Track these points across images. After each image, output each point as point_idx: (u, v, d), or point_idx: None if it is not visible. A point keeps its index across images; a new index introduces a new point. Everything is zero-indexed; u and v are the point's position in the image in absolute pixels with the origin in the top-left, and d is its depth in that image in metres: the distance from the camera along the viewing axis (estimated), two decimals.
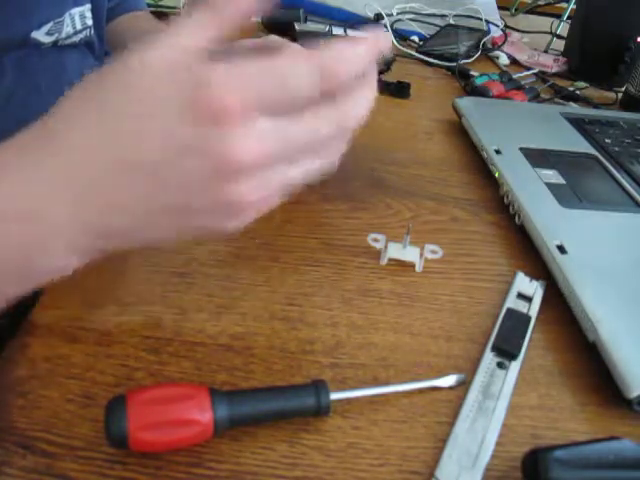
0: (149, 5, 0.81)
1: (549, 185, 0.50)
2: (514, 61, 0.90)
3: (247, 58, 0.27)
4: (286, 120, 0.27)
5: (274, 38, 0.47)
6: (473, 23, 0.98)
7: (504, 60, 0.89)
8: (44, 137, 0.30)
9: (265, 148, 0.27)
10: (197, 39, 0.28)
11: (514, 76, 0.78)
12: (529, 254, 0.45)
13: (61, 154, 0.29)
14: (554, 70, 0.87)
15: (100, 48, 0.59)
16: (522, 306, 0.39)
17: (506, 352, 0.35)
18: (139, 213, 0.29)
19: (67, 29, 0.52)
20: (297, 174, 0.29)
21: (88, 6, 0.55)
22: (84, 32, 0.55)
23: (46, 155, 0.29)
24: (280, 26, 0.91)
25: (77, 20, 0.53)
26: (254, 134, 0.26)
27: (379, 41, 0.30)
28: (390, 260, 0.42)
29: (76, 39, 0.54)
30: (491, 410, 0.32)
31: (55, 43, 0.51)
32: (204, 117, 0.26)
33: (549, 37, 1.00)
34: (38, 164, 0.29)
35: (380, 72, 0.48)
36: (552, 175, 0.52)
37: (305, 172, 0.29)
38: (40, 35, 0.49)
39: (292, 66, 0.27)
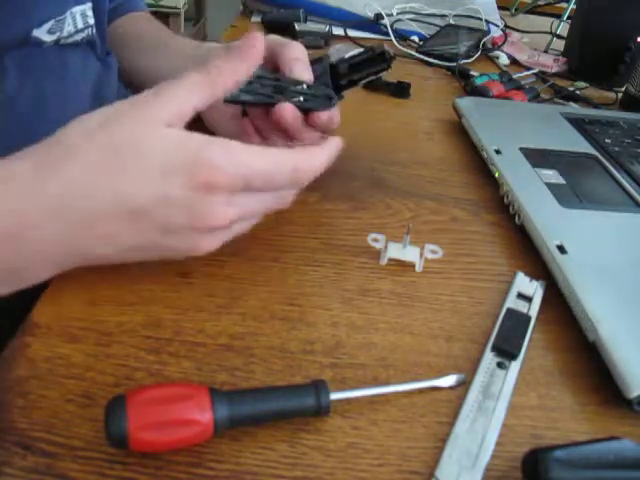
0: (149, 5, 0.81)
1: (549, 185, 0.50)
2: (514, 61, 0.90)
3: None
4: (252, 197, 0.36)
5: (274, 37, 0.47)
6: (473, 23, 0.98)
7: (504, 60, 0.89)
8: (45, 164, 0.33)
9: (234, 215, 0.34)
10: (204, 99, 0.35)
11: (514, 76, 0.78)
12: (529, 254, 0.45)
13: (60, 184, 0.32)
14: (554, 70, 0.87)
15: (102, 48, 0.59)
16: (522, 306, 0.39)
17: (506, 352, 0.35)
18: (121, 246, 0.34)
19: (68, 28, 0.52)
20: (242, 229, 0.38)
21: (89, 4, 0.54)
22: (86, 31, 0.54)
23: (45, 182, 0.32)
24: (280, 26, 0.91)
25: (78, 18, 0.53)
26: (230, 206, 0.34)
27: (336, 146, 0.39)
28: (390, 260, 0.42)
29: (78, 38, 0.54)
30: (491, 410, 0.32)
31: (57, 42, 0.51)
32: (197, 185, 0.32)
33: (549, 37, 1.00)
34: (36, 190, 0.32)
35: (381, 70, 0.49)
36: (552, 175, 0.52)
37: (246, 228, 0.38)
38: (41, 34, 0.49)
39: (278, 171, 0.35)
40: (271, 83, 0.42)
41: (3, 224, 0.31)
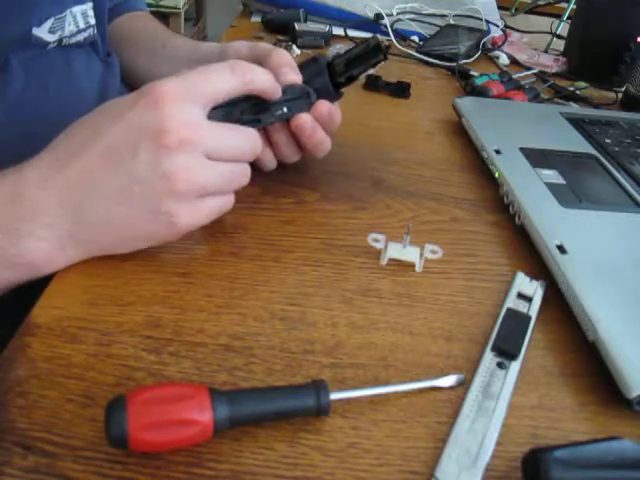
0: (149, 5, 0.81)
1: (549, 185, 0.50)
2: (514, 61, 0.90)
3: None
4: (214, 163, 0.38)
5: (259, 45, 0.48)
6: (473, 23, 0.98)
7: (504, 60, 0.89)
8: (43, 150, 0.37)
9: (200, 179, 0.36)
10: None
11: (514, 76, 0.78)
12: (529, 254, 0.45)
13: (49, 151, 0.37)
14: (554, 70, 0.87)
15: (103, 48, 0.59)
16: (522, 306, 0.39)
17: (506, 352, 0.35)
18: (102, 194, 0.36)
19: (70, 27, 0.52)
20: (215, 205, 0.39)
21: (90, 4, 0.55)
22: (87, 31, 0.55)
23: (38, 155, 0.36)
24: (280, 26, 0.91)
25: (79, 18, 0.53)
26: (196, 166, 0.36)
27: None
28: (390, 260, 0.42)
29: (80, 38, 0.54)
30: (491, 410, 0.32)
31: (60, 42, 0.51)
32: (147, 103, 0.35)
33: (549, 37, 1.00)
34: (31, 162, 0.36)
35: (377, 62, 0.48)
36: (552, 175, 0.52)
37: (219, 206, 0.39)
38: (43, 33, 0.49)
39: (246, 137, 0.40)
40: (250, 105, 0.42)
41: (5, 190, 0.35)
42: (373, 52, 0.47)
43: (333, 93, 0.47)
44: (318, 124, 0.46)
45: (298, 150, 0.48)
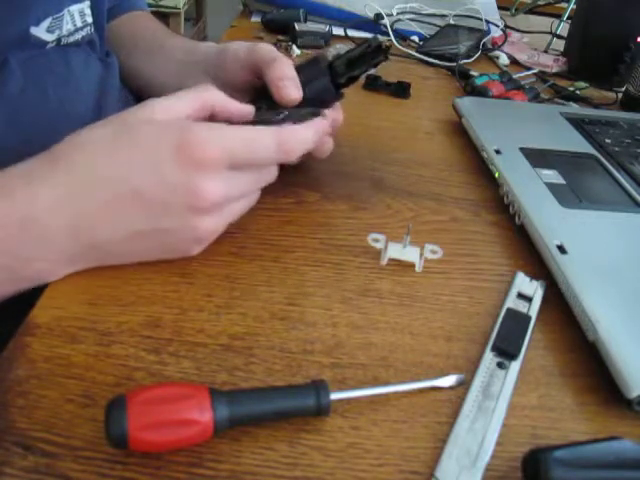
0: (149, 5, 0.81)
1: (549, 185, 0.50)
2: (514, 61, 0.90)
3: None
4: (241, 174, 0.38)
5: (262, 52, 0.47)
6: (473, 23, 0.98)
7: (504, 60, 0.89)
8: (51, 160, 0.36)
9: (224, 189, 0.36)
10: (185, 109, 0.39)
11: (514, 76, 0.78)
12: (529, 254, 0.45)
13: (65, 172, 0.35)
14: (554, 70, 0.87)
15: (101, 48, 0.59)
16: (522, 306, 0.39)
17: (506, 352, 0.35)
18: (124, 230, 0.36)
19: (68, 26, 0.52)
20: (239, 209, 0.40)
21: (87, 3, 0.54)
22: (85, 29, 0.54)
23: (52, 172, 0.35)
24: (280, 26, 0.91)
25: (77, 17, 0.53)
26: (220, 181, 0.36)
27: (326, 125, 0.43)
28: (390, 260, 0.42)
29: (78, 37, 0.54)
30: (491, 410, 0.32)
31: (59, 42, 0.51)
32: (187, 161, 0.35)
33: (549, 37, 1.00)
34: (44, 180, 0.35)
35: (378, 63, 0.48)
36: (552, 175, 0.52)
37: (242, 209, 0.41)
38: (41, 32, 0.49)
39: (261, 138, 0.38)
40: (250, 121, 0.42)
41: (19, 215, 0.34)
42: (374, 52, 0.46)
43: (334, 94, 0.47)
44: None
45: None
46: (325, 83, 0.46)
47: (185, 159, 0.35)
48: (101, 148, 0.36)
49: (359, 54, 0.47)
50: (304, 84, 0.46)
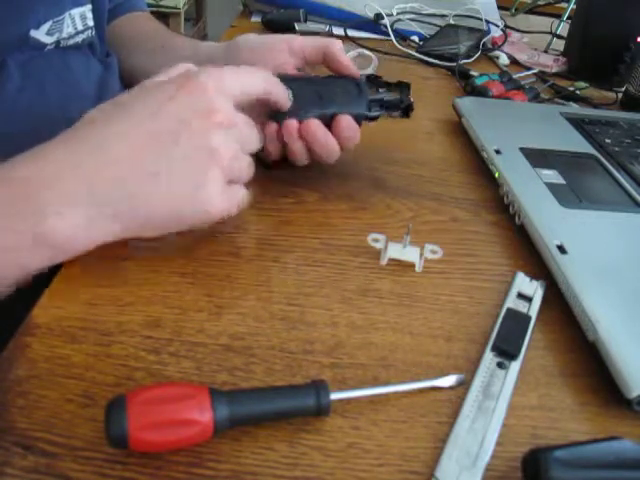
0: (149, 5, 0.81)
1: (549, 185, 0.50)
2: (514, 61, 0.90)
3: None
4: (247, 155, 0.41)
5: (316, 40, 0.52)
6: (473, 23, 0.98)
7: (504, 60, 0.89)
8: (64, 134, 0.36)
9: (230, 111, 0.38)
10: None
11: (514, 76, 0.78)
12: (529, 254, 0.45)
13: (85, 130, 0.36)
14: (554, 70, 0.87)
15: (101, 49, 0.59)
16: (522, 306, 0.39)
17: (506, 352, 0.35)
18: (140, 192, 0.36)
19: (68, 29, 0.52)
20: (241, 195, 0.40)
21: (89, 7, 0.54)
22: (86, 32, 0.54)
23: (71, 136, 0.36)
24: (280, 26, 0.91)
25: (78, 20, 0.53)
26: (226, 102, 0.38)
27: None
28: (390, 260, 0.42)
29: (78, 39, 0.54)
30: (491, 410, 0.32)
31: (58, 44, 0.51)
32: (192, 92, 0.37)
33: (549, 37, 1.00)
34: (59, 144, 0.35)
35: (397, 116, 0.54)
36: (552, 175, 0.52)
37: (243, 196, 0.40)
38: (40, 35, 0.49)
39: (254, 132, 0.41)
40: (312, 93, 0.47)
41: (40, 173, 0.34)
42: (397, 107, 0.54)
43: (363, 118, 0.50)
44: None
45: (308, 155, 0.48)
46: (361, 108, 0.49)
47: (188, 92, 0.37)
48: (110, 108, 0.38)
49: (391, 102, 0.52)
50: (341, 102, 0.48)
